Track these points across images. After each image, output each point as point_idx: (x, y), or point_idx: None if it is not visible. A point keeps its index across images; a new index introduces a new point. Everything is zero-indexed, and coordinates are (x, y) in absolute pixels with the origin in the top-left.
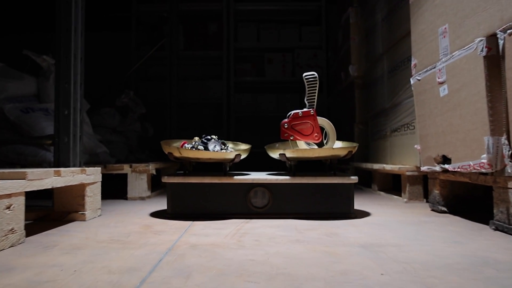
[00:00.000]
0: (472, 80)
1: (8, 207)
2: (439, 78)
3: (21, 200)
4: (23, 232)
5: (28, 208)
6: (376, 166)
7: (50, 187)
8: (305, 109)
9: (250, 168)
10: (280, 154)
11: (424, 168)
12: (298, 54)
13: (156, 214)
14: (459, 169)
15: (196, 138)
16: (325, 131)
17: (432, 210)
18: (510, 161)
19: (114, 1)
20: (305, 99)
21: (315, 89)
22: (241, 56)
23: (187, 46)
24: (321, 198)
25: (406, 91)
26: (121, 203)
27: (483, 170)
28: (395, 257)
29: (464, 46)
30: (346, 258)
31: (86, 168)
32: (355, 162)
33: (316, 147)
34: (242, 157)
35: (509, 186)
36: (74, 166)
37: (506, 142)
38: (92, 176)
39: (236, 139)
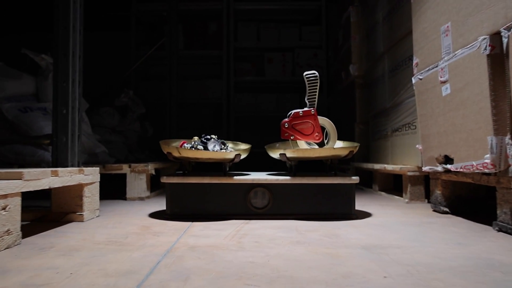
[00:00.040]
0: (475, 79)
1: (3, 208)
2: (441, 77)
3: (17, 200)
4: (19, 233)
5: (26, 208)
6: (377, 166)
7: (47, 187)
8: (305, 109)
9: (250, 168)
10: (280, 154)
11: (426, 168)
12: (298, 53)
13: (155, 215)
14: (461, 169)
15: (196, 138)
16: (326, 131)
17: (434, 210)
18: None
19: (113, 0)
20: (305, 98)
21: (316, 88)
22: (241, 56)
23: (186, 46)
24: (322, 198)
25: (408, 91)
26: (120, 204)
27: (486, 171)
28: (398, 259)
29: (467, 44)
30: (348, 260)
31: (84, 168)
32: (355, 162)
33: (316, 147)
34: (242, 157)
35: None
36: (72, 166)
37: (510, 142)
38: (90, 176)
39: (236, 139)
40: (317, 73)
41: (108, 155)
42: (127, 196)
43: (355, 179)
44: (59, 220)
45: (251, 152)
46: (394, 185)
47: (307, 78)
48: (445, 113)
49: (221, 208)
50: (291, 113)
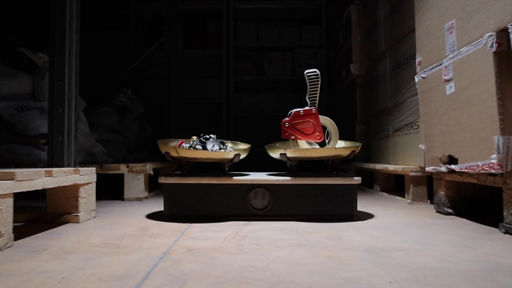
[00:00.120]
0: (481, 77)
1: None
2: (445, 76)
3: (9, 202)
4: (11, 235)
5: (20, 209)
6: (378, 166)
7: (40, 188)
8: (306, 108)
9: (250, 169)
10: (280, 154)
11: (429, 169)
12: (298, 53)
13: (152, 216)
14: (466, 170)
15: (194, 138)
16: (327, 130)
17: (437, 211)
18: None
19: None
20: (306, 97)
21: (317, 87)
22: (241, 55)
23: (186, 45)
24: (323, 199)
25: (410, 90)
26: (117, 204)
27: (493, 171)
28: (403, 262)
29: (473, 41)
30: (351, 264)
31: (80, 168)
32: (356, 162)
33: (318, 146)
34: (242, 157)
35: None
36: (68, 166)
37: None
38: (86, 177)
39: (235, 138)
40: (318, 71)
41: (106, 155)
42: (125, 196)
43: (357, 179)
44: (54, 221)
45: (250, 152)
46: (395, 185)
47: (308, 76)
48: (449, 112)
49: (220, 209)
50: (291, 112)
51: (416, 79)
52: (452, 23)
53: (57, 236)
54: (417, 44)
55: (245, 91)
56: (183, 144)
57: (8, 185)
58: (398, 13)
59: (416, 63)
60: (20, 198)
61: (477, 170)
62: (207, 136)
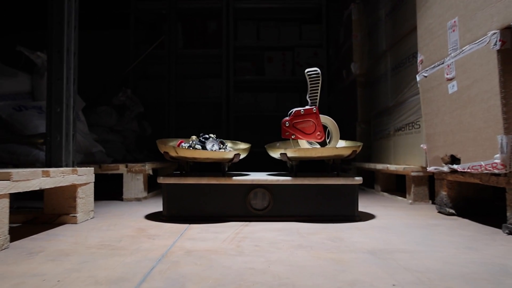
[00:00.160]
0: (484, 75)
1: None
2: (447, 75)
3: (5, 202)
4: (7, 237)
5: (17, 210)
6: (379, 166)
7: (37, 188)
8: (307, 107)
9: (250, 169)
10: (281, 154)
11: (430, 169)
12: (298, 52)
13: (151, 217)
14: (469, 170)
15: (194, 137)
16: (328, 130)
17: (439, 212)
18: None
19: None
20: (307, 96)
21: (318, 86)
22: (240, 55)
23: (186, 45)
24: (324, 200)
25: (411, 89)
26: (116, 205)
27: (496, 171)
28: (406, 265)
29: (476, 40)
30: (354, 266)
31: (77, 168)
32: (357, 162)
33: (318, 146)
34: (242, 156)
35: None
36: (66, 166)
37: None
38: (84, 177)
39: (235, 138)
40: (319, 70)
41: (105, 154)
42: (124, 196)
43: (358, 179)
44: (52, 222)
45: (250, 151)
46: (396, 185)
47: (308, 75)
48: (452, 112)
49: (219, 209)
50: (292, 112)
51: (418, 78)
52: (454, 21)
53: (54, 238)
54: (419, 43)
55: (245, 91)
56: (183, 144)
57: (4, 186)
58: (399, 11)
59: (418, 62)
60: (19, 199)
61: (480, 170)
62: (207, 136)
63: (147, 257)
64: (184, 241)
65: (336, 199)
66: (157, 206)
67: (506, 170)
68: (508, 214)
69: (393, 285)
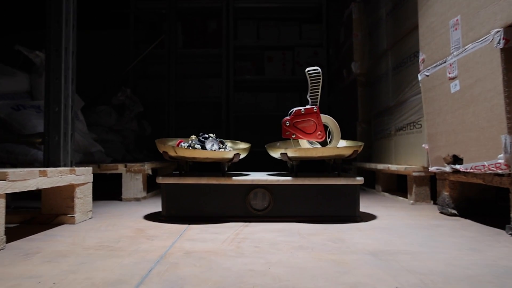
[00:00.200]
0: (487, 74)
1: None
2: (450, 73)
3: (1, 203)
4: (3, 237)
5: (14, 210)
6: (380, 166)
7: (34, 188)
8: (307, 106)
9: (250, 168)
10: (281, 154)
11: (432, 169)
12: (298, 52)
13: (150, 217)
14: (471, 170)
15: (193, 137)
16: (329, 129)
17: (441, 212)
18: None
19: None
20: (307, 96)
21: (319, 85)
22: (240, 54)
23: (186, 44)
24: (324, 200)
25: (413, 88)
26: (115, 205)
27: (500, 171)
28: (409, 266)
29: (479, 38)
30: (356, 268)
31: (75, 168)
32: (357, 162)
33: (319, 146)
34: (241, 156)
35: None
36: (65, 165)
37: None
38: (82, 177)
39: (235, 138)
40: (319, 69)
41: (104, 154)
42: (123, 196)
43: (359, 179)
44: (49, 222)
45: (250, 151)
46: (397, 185)
47: (309, 74)
48: (454, 111)
49: (219, 210)
50: (292, 111)
51: (419, 77)
52: (457, 20)
53: (51, 238)
54: (421, 42)
55: (245, 90)
56: (182, 144)
57: (0, 186)
58: (400, 10)
59: (420, 61)
60: (16, 198)
61: (483, 170)
62: (206, 136)
63: (146, 259)
64: (183, 242)
65: (337, 199)
66: (156, 206)
67: (510, 171)
68: (511, 215)
69: (396, 287)
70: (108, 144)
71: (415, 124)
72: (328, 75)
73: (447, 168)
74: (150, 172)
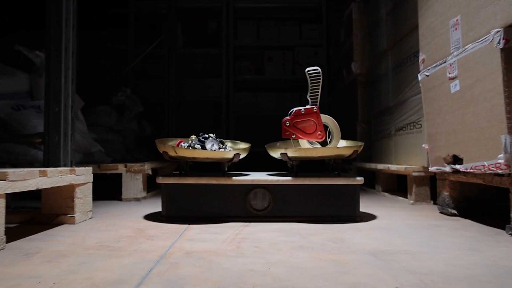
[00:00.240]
0: (487, 74)
1: None
2: (450, 73)
3: (1, 203)
4: (3, 237)
5: (14, 210)
6: (380, 166)
7: (34, 188)
8: (308, 106)
9: (250, 168)
10: (281, 154)
11: (432, 169)
12: (298, 52)
13: (150, 217)
14: (471, 170)
15: (193, 137)
16: (329, 129)
17: (441, 212)
18: None
19: None
20: (307, 96)
21: (319, 85)
22: (240, 54)
23: (186, 44)
24: (324, 200)
25: (413, 88)
26: (115, 205)
27: (500, 171)
28: (409, 266)
29: (479, 38)
30: (356, 268)
31: (75, 168)
32: (357, 162)
33: (319, 146)
34: (241, 156)
35: None
36: (65, 165)
37: None
38: (82, 177)
39: (235, 138)
40: (319, 69)
41: (104, 154)
42: (123, 196)
43: (359, 179)
44: (49, 222)
45: (250, 151)
46: (397, 185)
47: (309, 74)
48: (454, 111)
49: (219, 210)
50: (292, 111)
51: (419, 77)
52: (457, 20)
53: (51, 238)
54: (421, 42)
55: (245, 90)
56: (182, 144)
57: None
58: (400, 10)
59: (420, 61)
60: (17, 198)
61: (483, 170)
62: (206, 135)
63: (146, 259)
64: (183, 242)
65: (337, 199)
66: (156, 206)
67: (510, 171)
68: (511, 215)
69: (396, 287)
70: (108, 144)
71: (415, 124)
72: (328, 75)
73: (447, 168)
74: (150, 172)
